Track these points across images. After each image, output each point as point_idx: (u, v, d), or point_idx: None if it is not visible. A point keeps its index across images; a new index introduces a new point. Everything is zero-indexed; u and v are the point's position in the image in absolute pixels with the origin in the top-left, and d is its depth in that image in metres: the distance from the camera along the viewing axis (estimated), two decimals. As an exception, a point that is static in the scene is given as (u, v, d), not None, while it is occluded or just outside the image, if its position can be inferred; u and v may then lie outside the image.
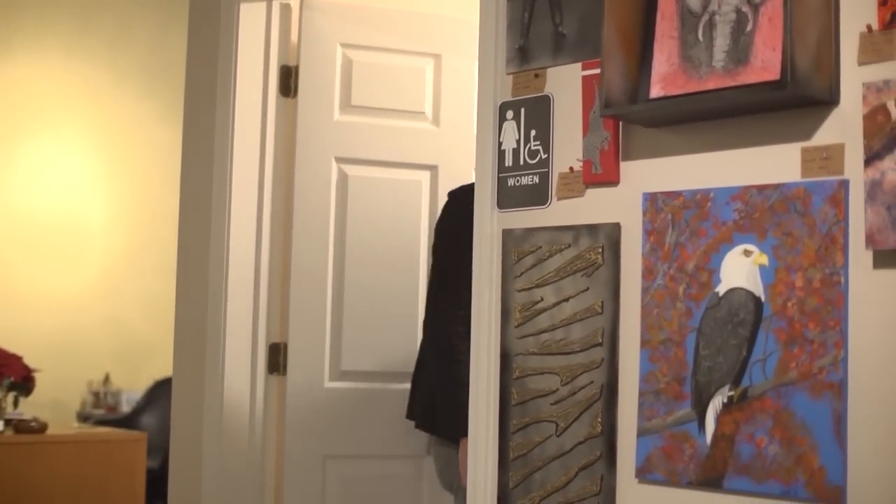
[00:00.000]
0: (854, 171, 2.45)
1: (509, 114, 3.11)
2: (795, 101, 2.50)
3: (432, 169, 4.14)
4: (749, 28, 2.57)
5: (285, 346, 4.02)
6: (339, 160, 4.06)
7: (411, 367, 3.90)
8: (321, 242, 4.03)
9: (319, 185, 4.05)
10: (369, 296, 4.05)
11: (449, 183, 4.04)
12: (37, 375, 5.59)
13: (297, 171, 4.07)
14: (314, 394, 4.00)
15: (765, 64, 2.52)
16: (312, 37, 4.08)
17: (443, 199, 3.99)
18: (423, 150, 4.13)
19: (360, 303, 4.04)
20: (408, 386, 3.89)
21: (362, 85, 4.10)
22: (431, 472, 3.90)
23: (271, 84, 4.07)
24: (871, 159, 2.41)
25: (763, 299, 2.56)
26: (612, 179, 2.87)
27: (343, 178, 4.05)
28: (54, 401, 7.98)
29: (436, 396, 3.65)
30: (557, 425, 2.93)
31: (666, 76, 2.68)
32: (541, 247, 3.00)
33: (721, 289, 2.63)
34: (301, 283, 4.02)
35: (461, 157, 4.10)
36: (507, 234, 3.08)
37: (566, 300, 2.94)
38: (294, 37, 4.11)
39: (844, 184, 2.46)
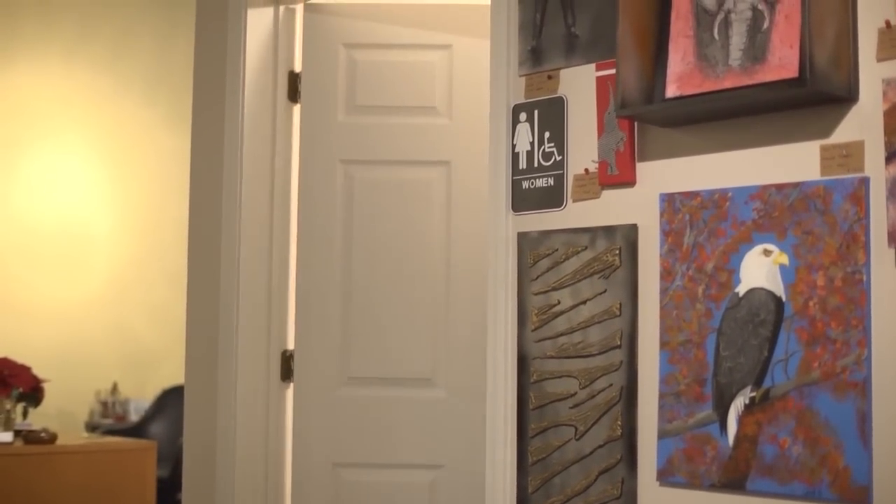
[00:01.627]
0: (875, 168, 2.43)
1: (522, 116, 3.09)
2: (814, 98, 2.48)
3: (445, 165, 3.99)
4: (765, 26, 2.55)
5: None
6: (345, 162, 4.00)
7: (425, 374, 3.86)
8: (328, 248, 3.98)
9: (326, 189, 4.00)
10: (381, 300, 3.97)
11: (464, 178, 3.93)
12: (45, 386, 5.57)
13: (302, 176, 4.03)
14: (323, 401, 3.96)
15: (782, 61, 2.50)
16: (315, 39, 4.04)
17: (457, 196, 3.90)
18: (434, 146, 3.99)
19: (370, 307, 3.97)
20: (421, 393, 3.86)
21: (368, 84, 4.02)
22: (443, 483, 3.87)
23: (280, 90, 4.05)
24: (892, 156, 2.39)
25: (784, 299, 2.54)
26: (628, 180, 2.86)
27: (349, 181, 4.00)
28: (62, 411, 7.97)
29: None
30: (577, 429, 2.91)
31: (682, 75, 2.67)
32: (557, 249, 2.98)
33: (741, 289, 2.62)
34: (309, 290, 3.98)
35: (476, 151, 3.88)
36: (523, 237, 3.06)
37: (583, 303, 2.92)
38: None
39: (865, 181, 2.45)
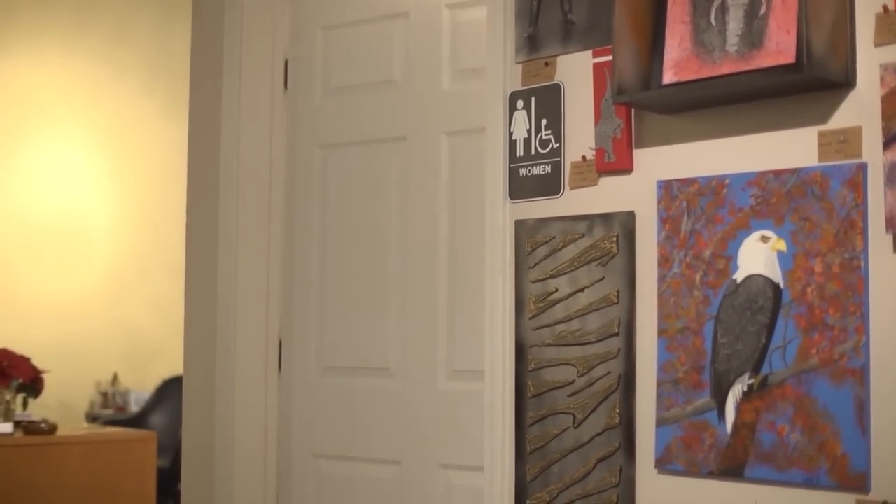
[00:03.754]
0: (872, 153, 2.43)
1: (520, 103, 3.08)
2: (811, 84, 2.47)
3: (401, 140, 3.72)
4: (762, 11, 2.53)
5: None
6: (323, 147, 3.90)
7: (385, 363, 3.76)
8: (307, 236, 3.92)
9: (306, 177, 3.95)
10: (355, 287, 3.81)
11: (417, 153, 3.66)
12: (45, 377, 5.57)
13: (288, 165, 4.00)
14: (304, 390, 3.92)
15: (779, 47, 2.49)
16: (300, 25, 3.99)
17: (413, 173, 3.65)
18: (394, 122, 3.75)
19: (346, 295, 3.84)
20: (383, 382, 3.73)
21: (341, 65, 3.89)
22: (410, 480, 3.67)
23: (276, 79, 4.03)
24: (889, 141, 2.38)
25: (782, 285, 2.54)
26: (625, 167, 2.85)
27: (325, 167, 3.89)
28: (63, 402, 7.96)
29: None
30: (575, 417, 2.91)
31: (679, 62, 2.66)
32: (554, 237, 2.97)
33: (739, 276, 2.61)
34: (293, 278, 3.95)
35: (430, 123, 3.64)
36: (520, 225, 3.05)
37: (581, 290, 2.91)
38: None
39: (863, 167, 2.44)
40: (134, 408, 8.71)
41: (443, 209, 3.57)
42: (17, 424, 5.42)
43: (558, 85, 3.01)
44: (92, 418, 8.34)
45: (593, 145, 2.91)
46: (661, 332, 2.74)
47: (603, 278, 2.87)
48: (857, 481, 2.40)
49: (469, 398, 3.41)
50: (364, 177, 3.83)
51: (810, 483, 2.47)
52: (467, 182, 3.50)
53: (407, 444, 3.65)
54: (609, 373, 2.84)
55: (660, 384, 2.73)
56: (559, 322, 2.95)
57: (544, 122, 3.03)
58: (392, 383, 3.72)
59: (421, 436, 3.61)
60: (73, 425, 6.43)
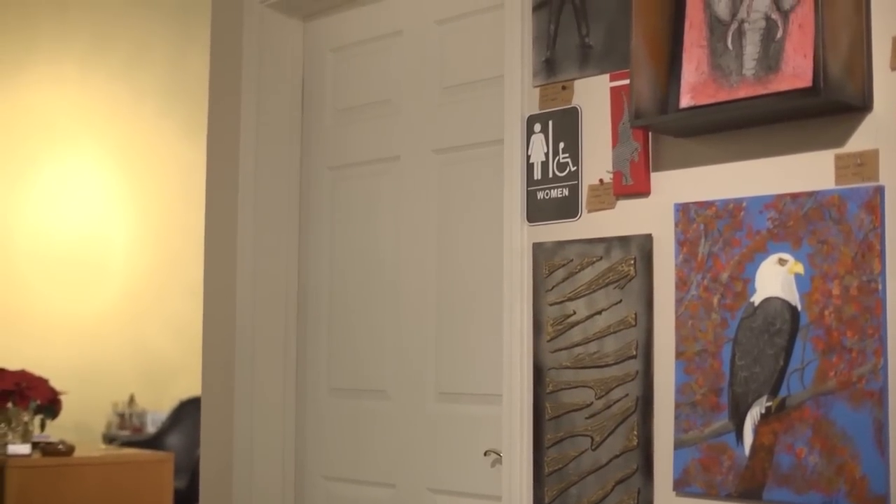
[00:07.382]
0: (889, 176, 2.43)
1: (537, 127, 3.10)
2: (828, 107, 2.48)
3: (394, 161, 3.74)
4: (779, 35, 2.55)
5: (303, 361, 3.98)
6: (331, 169, 3.92)
7: (380, 385, 3.75)
8: (317, 257, 3.95)
9: (317, 198, 3.97)
10: (360, 309, 3.81)
11: (410, 173, 3.66)
12: (62, 398, 5.59)
13: (303, 187, 4.02)
14: (314, 411, 3.92)
15: (796, 71, 2.50)
16: (313, 47, 4.03)
17: (400, 194, 3.67)
18: (387, 143, 3.76)
19: (352, 317, 3.83)
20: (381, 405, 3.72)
21: (347, 86, 3.92)
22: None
23: (294, 101, 4.05)
24: (906, 165, 2.38)
25: (799, 308, 2.54)
26: (642, 190, 2.86)
27: (333, 188, 3.91)
28: (80, 423, 7.99)
29: None
30: (593, 439, 2.91)
31: (696, 85, 2.67)
32: (572, 260, 2.98)
33: (756, 298, 2.61)
34: (306, 300, 3.97)
35: (421, 143, 3.64)
36: (538, 248, 3.06)
37: (599, 313, 2.92)
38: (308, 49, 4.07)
39: (880, 190, 2.44)
40: (151, 429, 8.73)
41: (445, 229, 3.58)
42: (35, 446, 5.45)
43: (576, 108, 3.03)
44: (109, 439, 8.36)
45: (611, 168, 2.93)
46: (679, 354, 2.74)
47: (620, 301, 2.88)
48: (877, 503, 2.40)
49: (463, 421, 3.44)
50: (368, 198, 3.84)
51: (829, 506, 2.47)
52: (462, 201, 3.52)
53: (400, 467, 3.65)
54: (627, 395, 2.85)
55: (678, 406, 2.74)
56: (577, 344, 2.96)
57: (562, 145, 3.04)
58: (389, 405, 3.71)
59: (412, 459, 3.62)
60: (90, 446, 6.46)
